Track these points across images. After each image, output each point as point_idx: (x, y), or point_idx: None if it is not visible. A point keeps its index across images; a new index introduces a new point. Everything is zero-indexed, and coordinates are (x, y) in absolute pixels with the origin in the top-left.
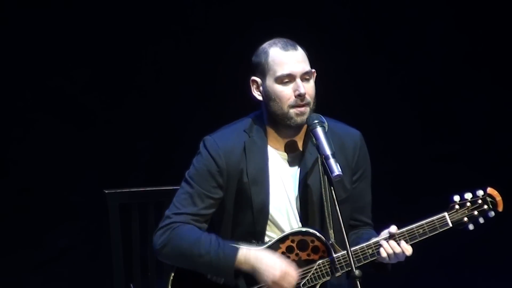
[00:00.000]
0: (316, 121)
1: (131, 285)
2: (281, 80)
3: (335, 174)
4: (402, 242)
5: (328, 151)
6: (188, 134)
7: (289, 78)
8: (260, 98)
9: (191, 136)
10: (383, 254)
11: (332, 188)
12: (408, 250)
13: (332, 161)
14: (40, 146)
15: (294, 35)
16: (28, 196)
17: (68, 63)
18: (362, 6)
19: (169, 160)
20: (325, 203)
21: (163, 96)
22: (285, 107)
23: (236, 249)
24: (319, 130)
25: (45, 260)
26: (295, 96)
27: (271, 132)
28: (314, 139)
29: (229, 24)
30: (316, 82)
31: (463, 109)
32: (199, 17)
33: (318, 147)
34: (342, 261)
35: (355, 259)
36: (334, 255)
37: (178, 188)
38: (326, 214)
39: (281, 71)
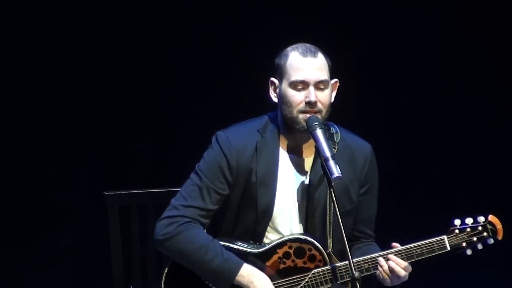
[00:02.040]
0: (315, 123)
1: (131, 286)
2: (294, 85)
3: (335, 176)
4: (399, 260)
5: (327, 153)
6: (187, 136)
7: (302, 85)
8: (275, 100)
9: (190, 138)
10: (380, 269)
11: (332, 190)
12: (404, 265)
13: (331, 163)
14: (39, 148)
15: (294, 35)
16: (27, 198)
17: (67, 64)
18: (365, 4)
19: (168, 162)
20: (328, 211)
21: (163, 98)
22: (295, 112)
23: (240, 266)
24: (319, 132)
25: (44, 262)
26: (306, 103)
27: (285, 135)
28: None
29: (228, 26)
30: (338, 93)
31: (465, 110)
32: (199, 19)
33: (318, 149)
34: (338, 271)
35: (348, 271)
36: (333, 265)
37: (177, 190)
38: (328, 222)
39: (295, 76)
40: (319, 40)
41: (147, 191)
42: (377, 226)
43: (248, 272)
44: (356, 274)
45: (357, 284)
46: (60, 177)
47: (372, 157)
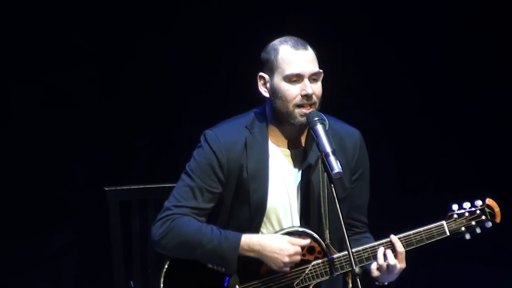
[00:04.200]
0: (316, 118)
1: (131, 282)
2: (289, 79)
3: (335, 171)
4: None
5: (328, 149)
6: (188, 131)
7: (297, 78)
8: (266, 94)
9: (191, 133)
10: (380, 257)
11: (332, 185)
12: (401, 250)
13: (332, 158)
14: (39, 143)
15: (291, 30)
16: (27, 194)
17: (66, 60)
18: (364, 2)
19: (168, 157)
20: (322, 202)
21: (162, 92)
22: (291, 106)
23: (239, 236)
24: (319, 128)
25: (45, 257)
26: (302, 96)
27: (273, 129)
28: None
29: (225, 17)
30: (322, 83)
31: (466, 105)
32: (195, 12)
33: (318, 145)
34: (337, 262)
35: (348, 261)
36: (332, 256)
37: None
38: (323, 213)
39: (290, 70)
40: (319, 34)
41: (147, 186)
42: (377, 220)
43: (248, 244)
44: (357, 269)
45: (358, 280)
46: (60, 173)
47: (361, 143)
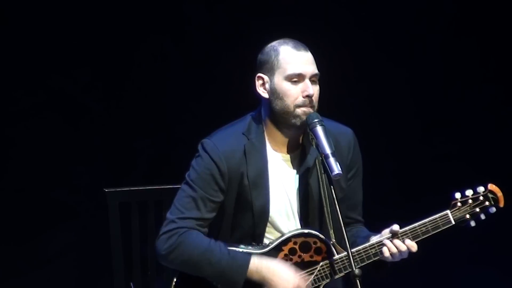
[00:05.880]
0: (316, 120)
1: (131, 283)
2: (290, 78)
3: (335, 173)
4: (407, 240)
5: (328, 150)
6: (188, 133)
7: (299, 78)
8: (265, 95)
9: (190, 134)
10: (387, 253)
11: (332, 187)
12: (413, 246)
13: (332, 160)
14: (39, 145)
15: (291, 33)
16: (28, 195)
17: (67, 62)
18: (362, 5)
19: (168, 158)
20: (324, 202)
21: (162, 94)
22: (292, 106)
23: (248, 259)
24: (319, 129)
25: (45, 260)
26: (303, 97)
27: (270, 132)
28: (314, 138)
29: (227, 22)
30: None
31: (464, 107)
32: (197, 16)
33: (318, 146)
34: (345, 261)
35: (358, 259)
36: (337, 256)
37: (177, 187)
38: (326, 213)
39: (292, 69)
40: (317, 38)
41: (147, 188)
42: (378, 223)
43: (256, 267)
44: (357, 271)
45: (358, 281)
46: (60, 175)
47: (355, 142)
